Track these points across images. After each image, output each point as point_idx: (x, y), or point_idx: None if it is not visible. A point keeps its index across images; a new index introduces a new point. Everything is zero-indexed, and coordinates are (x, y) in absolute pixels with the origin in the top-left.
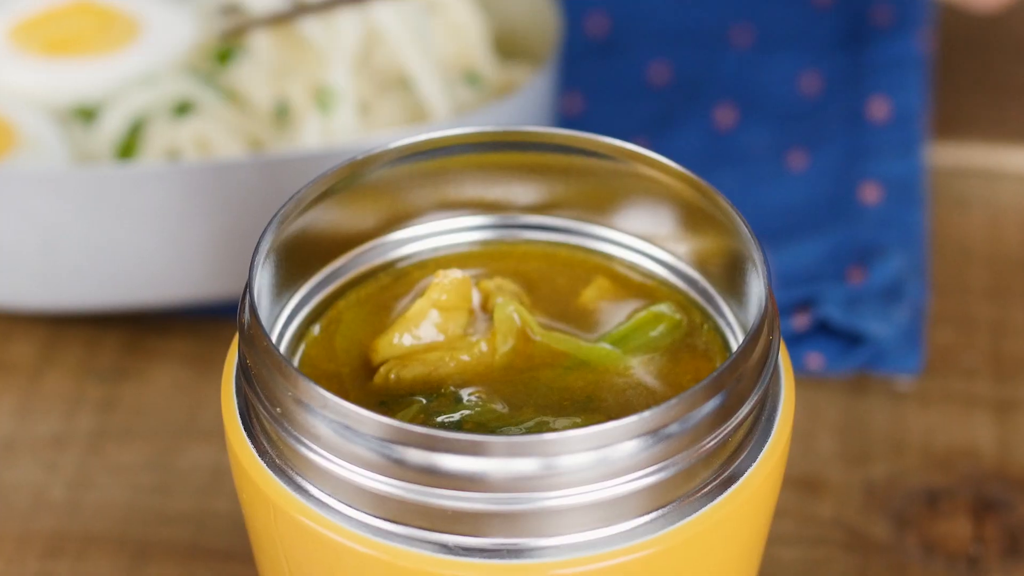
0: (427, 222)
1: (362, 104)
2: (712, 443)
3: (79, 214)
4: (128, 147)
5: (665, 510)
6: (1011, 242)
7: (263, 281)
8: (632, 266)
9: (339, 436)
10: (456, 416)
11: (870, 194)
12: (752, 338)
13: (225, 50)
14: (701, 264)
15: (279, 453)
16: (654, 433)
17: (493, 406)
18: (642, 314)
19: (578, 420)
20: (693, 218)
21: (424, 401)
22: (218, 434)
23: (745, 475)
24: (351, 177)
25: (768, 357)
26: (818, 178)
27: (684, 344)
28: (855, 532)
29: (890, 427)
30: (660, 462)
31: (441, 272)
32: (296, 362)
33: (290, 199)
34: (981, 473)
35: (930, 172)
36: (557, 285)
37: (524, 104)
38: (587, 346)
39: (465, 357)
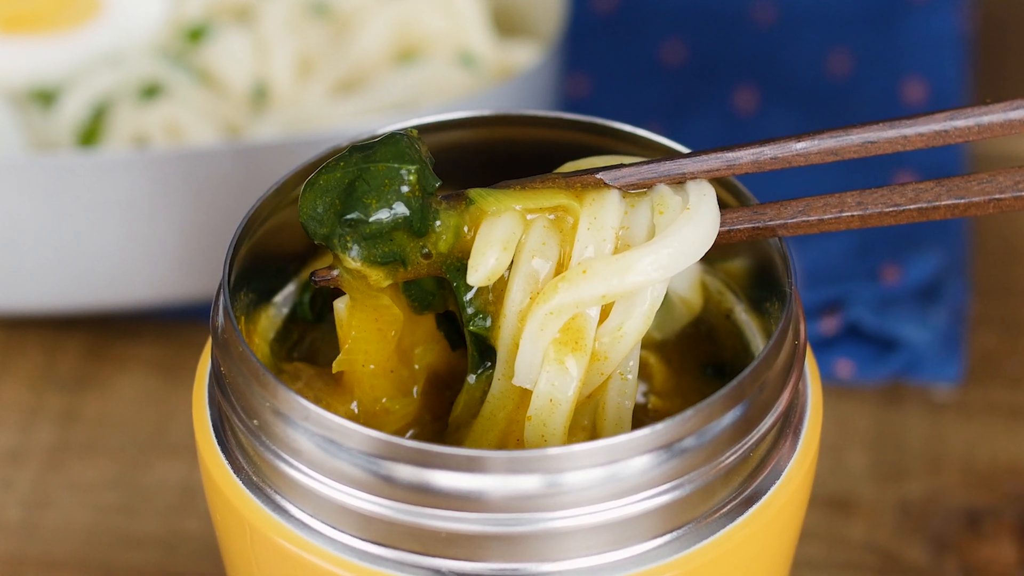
0: None
1: (303, 61)
2: (732, 458)
3: (37, 207)
4: (91, 133)
5: (680, 532)
6: None
7: (239, 280)
8: None
9: (322, 451)
10: None
11: None
12: (775, 343)
13: (197, 28)
14: (719, 260)
15: (256, 469)
16: (668, 447)
17: None
18: None
19: None
20: None
21: None
22: (189, 448)
23: (768, 493)
24: None
25: (793, 364)
26: (848, 166)
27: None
28: (889, 556)
29: (927, 441)
30: (675, 479)
31: None
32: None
33: (269, 189)
34: None
35: (970, 160)
36: None
37: (525, 88)
38: None
39: None
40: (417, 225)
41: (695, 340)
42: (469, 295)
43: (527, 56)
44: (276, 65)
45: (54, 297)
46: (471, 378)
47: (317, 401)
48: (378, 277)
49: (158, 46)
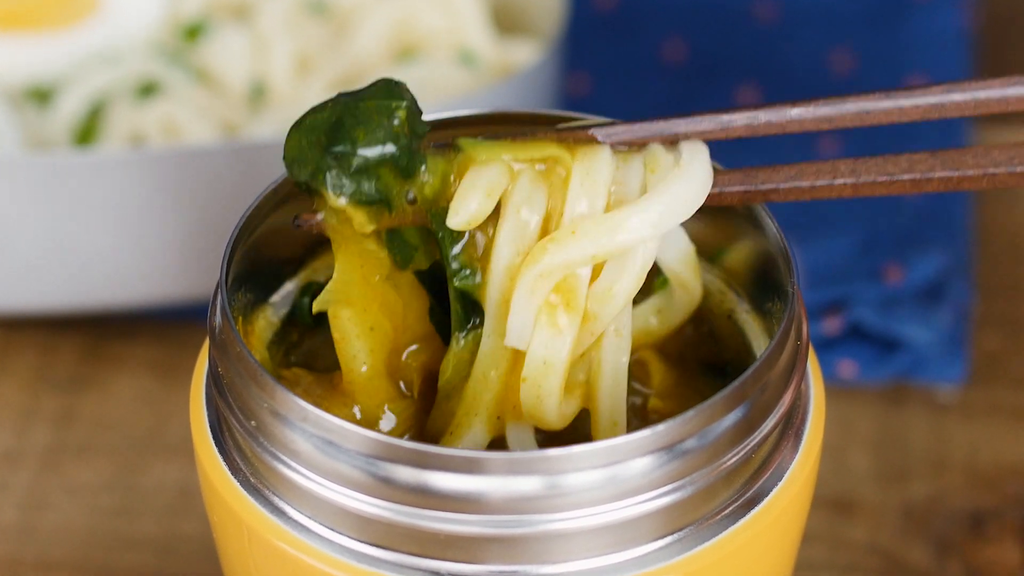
0: None
1: (301, 59)
2: (733, 460)
3: (33, 206)
4: (87, 132)
5: (682, 534)
6: None
7: (236, 280)
8: None
9: (320, 452)
10: None
11: None
12: (778, 344)
13: (194, 26)
14: (721, 260)
15: (254, 471)
16: (669, 449)
17: None
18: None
19: None
20: (712, 209)
21: None
22: (186, 450)
23: (770, 495)
24: None
25: (795, 365)
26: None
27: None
28: (892, 558)
29: (930, 442)
30: (676, 481)
31: None
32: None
33: (267, 188)
34: None
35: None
36: None
37: (525, 86)
38: None
39: None
40: (404, 163)
41: (696, 340)
42: (455, 249)
43: (527, 54)
44: (274, 63)
45: (50, 297)
46: (459, 336)
47: (316, 406)
48: (362, 220)
49: (155, 44)
